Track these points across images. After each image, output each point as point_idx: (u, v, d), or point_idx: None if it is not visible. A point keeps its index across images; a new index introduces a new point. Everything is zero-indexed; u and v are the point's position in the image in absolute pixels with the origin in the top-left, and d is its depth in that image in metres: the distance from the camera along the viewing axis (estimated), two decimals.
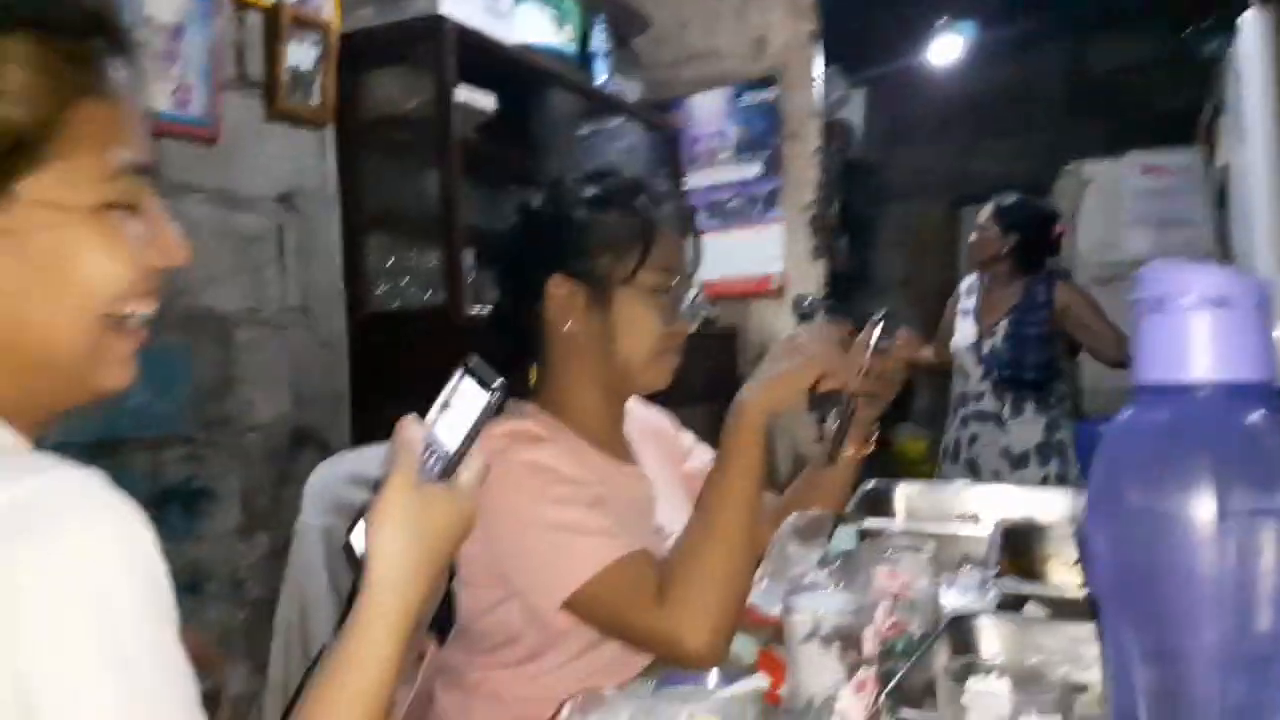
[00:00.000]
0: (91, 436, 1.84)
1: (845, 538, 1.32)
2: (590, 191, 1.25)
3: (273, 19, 2.28)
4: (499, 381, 0.72)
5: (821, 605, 0.83)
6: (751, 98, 3.47)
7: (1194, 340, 0.56)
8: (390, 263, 2.55)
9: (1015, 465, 3.00)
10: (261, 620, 2.02)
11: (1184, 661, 0.56)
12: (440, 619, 1.32)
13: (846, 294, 4.99)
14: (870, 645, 0.79)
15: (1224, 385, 0.55)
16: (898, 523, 1.46)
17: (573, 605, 1.06)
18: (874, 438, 1.32)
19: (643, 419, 1.44)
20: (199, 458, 2.04)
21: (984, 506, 1.53)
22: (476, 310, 2.34)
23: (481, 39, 2.52)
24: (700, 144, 3.55)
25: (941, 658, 0.84)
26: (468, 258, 2.37)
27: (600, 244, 1.21)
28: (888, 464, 4.49)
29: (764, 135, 3.45)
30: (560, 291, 1.21)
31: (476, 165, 2.58)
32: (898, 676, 0.82)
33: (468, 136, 2.52)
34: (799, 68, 3.41)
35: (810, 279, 3.42)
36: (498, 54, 2.61)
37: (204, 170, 2.12)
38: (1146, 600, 0.58)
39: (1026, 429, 3.01)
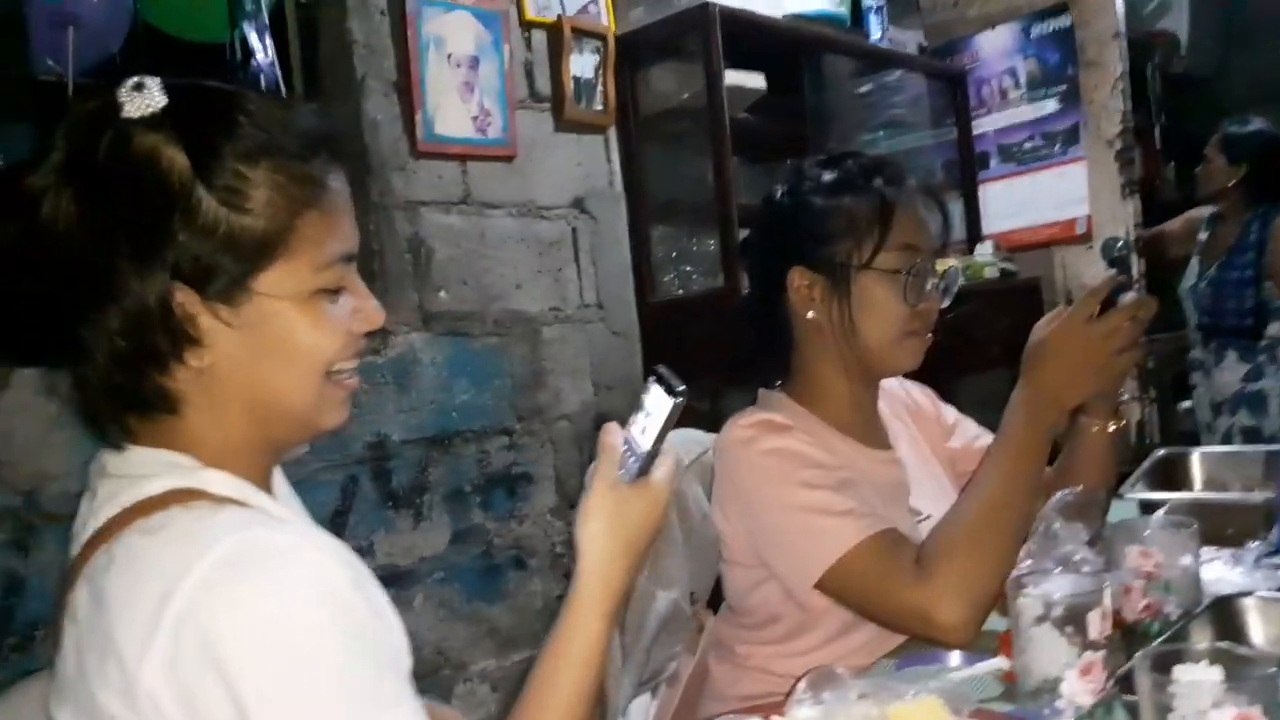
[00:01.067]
0: (429, 433, 2.14)
1: (1125, 511, 1.27)
2: (824, 177, 1.27)
3: (556, 34, 2.48)
4: (682, 388, 0.80)
5: (1053, 586, 0.83)
6: (1043, 28, 3.24)
7: None
8: (674, 252, 2.68)
9: (1214, 417, 2.70)
10: None
11: None
12: (712, 595, 1.42)
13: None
14: (1096, 629, 0.78)
15: None
16: (1182, 494, 1.36)
17: (825, 585, 1.11)
18: (1124, 410, 1.25)
19: (901, 398, 1.45)
20: (518, 446, 2.30)
21: None
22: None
23: (749, 19, 2.57)
24: (988, 85, 3.37)
25: (1191, 643, 0.81)
26: (743, 239, 2.45)
27: (835, 230, 1.23)
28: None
29: (1059, 67, 3.21)
30: (801, 282, 1.25)
31: (749, 145, 2.65)
32: (1130, 662, 0.80)
33: (738, 118, 2.58)
34: None
35: (1121, 219, 3.15)
36: (767, 31, 2.65)
37: (505, 186, 2.37)
38: None
39: (1226, 377, 2.76)
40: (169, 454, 0.74)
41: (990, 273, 3.05)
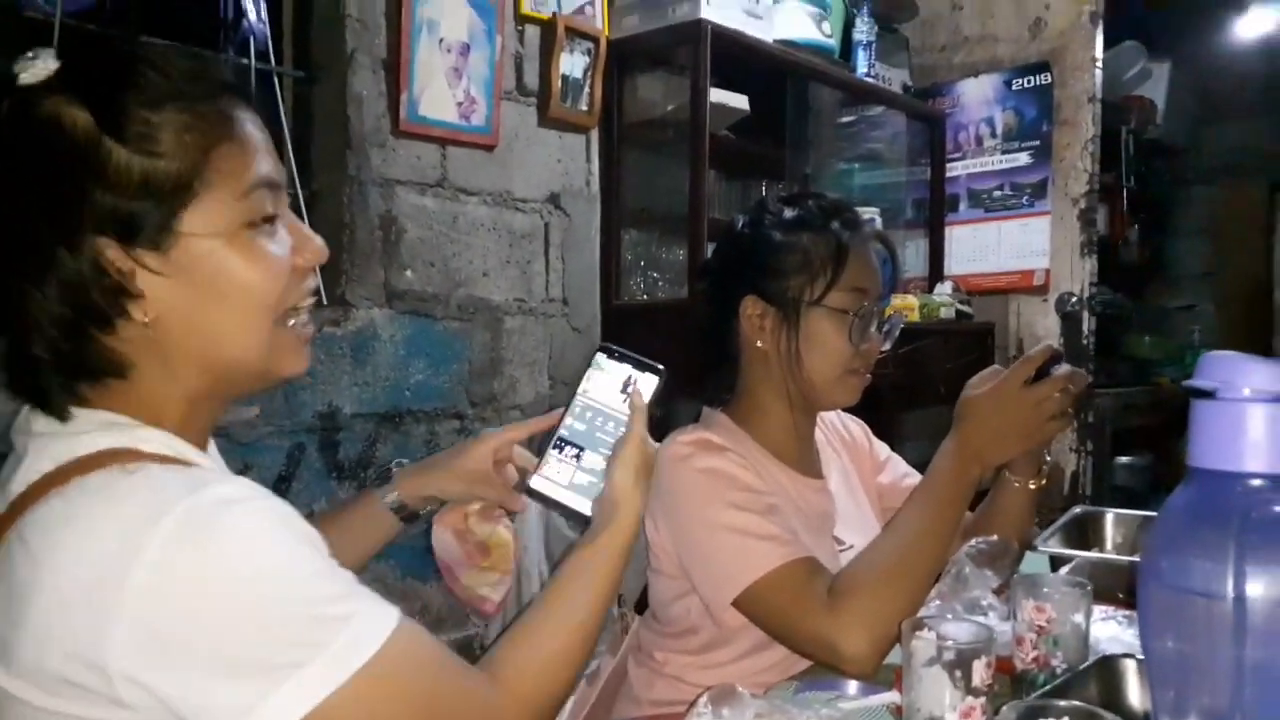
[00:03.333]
0: (381, 408, 2.16)
1: (1037, 563, 1.33)
2: (785, 214, 1.32)
3: (549, 31, 2.51)
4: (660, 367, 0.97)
5: (948, 630, 0.88)
6: (1023, 83, 3.33)
7: (1249, 433, 0.58)
8: (642, 258, 2.73)
9: None
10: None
11: None
12: (639, 601, 1.47)
13: (1138, 286, 4.62)
14: (980, 675, 0.83)
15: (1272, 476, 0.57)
16: (1094, 554, 1.43)
17: (741, 604, 1.16)
18: (1047, 468, 1.31)
19: (837, 429, 1.50)
20: (469, 431, 2.33)
21: None
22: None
23: (739, 40, 2.62)
24: (966, 131, 3.45)
25: (1076, 698, 0.86)
26: (702, 262, 2.51)
27: (790, 266, 1.29)
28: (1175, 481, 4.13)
29: (1035, 123, 3.30)
30: (753, 311, 1.30)
31: (727, 162, 2.70)
32: (1004, 709, 0.86)
33: (719, 135, 2.63)
34: (1078, 50, 3.23)
35: (1077, 275, 3.25)
36: (755, 53, 2.70)
37: (483, 174, 2.39)
38: (1179, 667, 0.61)
39: None
40: (104, 413, 0.74)
41: (946, 312, 3.12)
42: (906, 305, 2.94)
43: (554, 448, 0.97)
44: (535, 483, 0.96)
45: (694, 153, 2.49)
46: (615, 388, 0.97)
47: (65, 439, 0.72)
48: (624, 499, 0.92)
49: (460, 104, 2.33)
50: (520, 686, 0.80)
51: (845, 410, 1.50)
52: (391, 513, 1.11)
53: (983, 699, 0.83)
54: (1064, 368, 1.14)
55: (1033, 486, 1.31)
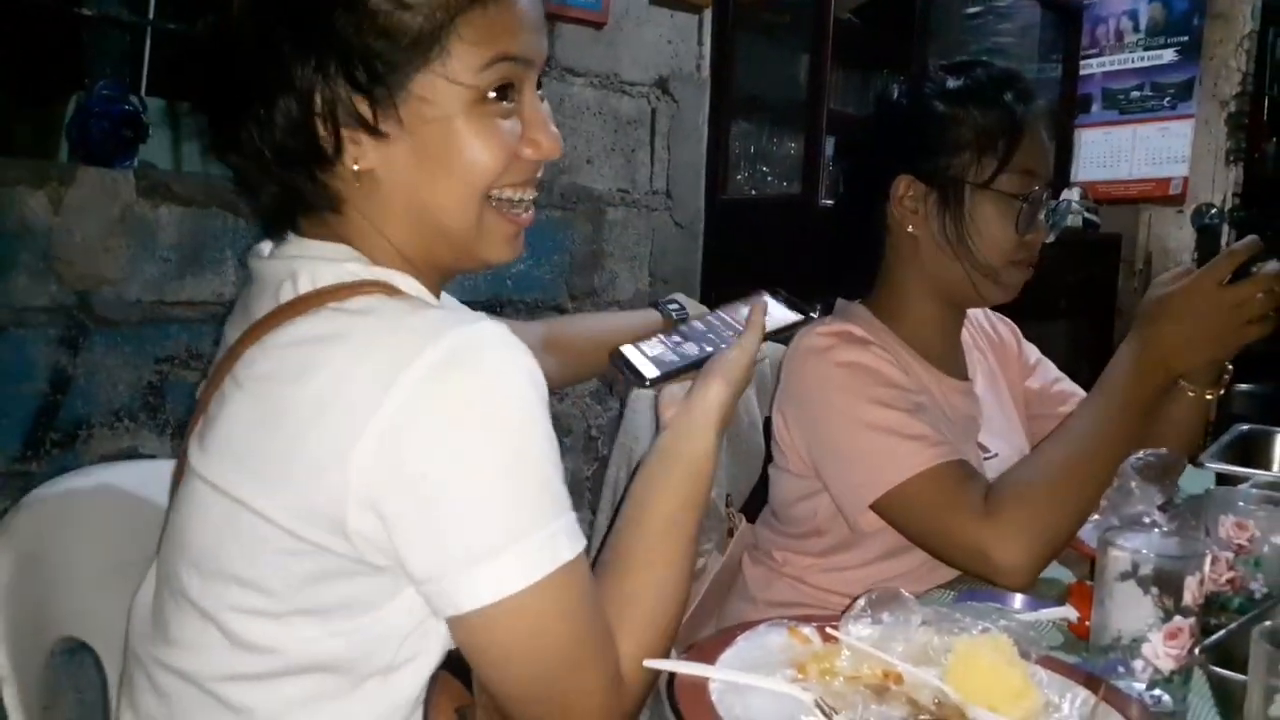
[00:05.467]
0: (482, 296, 2.10)
1: (1198, 480, 1.21)
2: (952, 84, 1.18)
3: None
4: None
5: (1144, 545, 0.78)
6: None
7: None
8: (752, 150, 2.59)
9: None
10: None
11: None
12: (753, 500, 1.39)
13: (1270, 206, 4.31)
14: (1192, 594, 0.74)
15: None
16: (1269, 472, 1.30)
17: (883, 507, 1.07)
18: (1228, 377, 1.18)
19: (985, 329, 1.38)
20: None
21: None
22: (828, 202, 2.34)
23: None
24: (1106, 25, 3.18)
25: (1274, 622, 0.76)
26: (829, 147, 2.36)
27: (957, 141, 1.15)
28: None
29: (1184, 16, 3.02)
30: (909, 191, 1.18)
31: (850, 49, 2.52)
32: (1220, 634, 0.76)
33: (842, 19, 2.46)
34: None
35: (1219, 187, 3.00)
36: None
37: (591, 54, 2.27)
38: None
39: None
40: (350, 249, 0.73)
41: (1073, 221, 2.93)
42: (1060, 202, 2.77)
43: (667, 334, 0.90)
44: (626, 349, 0.88)
45: (815, 37, 2.32)
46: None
47: (317, 263, 0.72)
48: (701, 425, 0.84)
49: None
50: (633, 666, 0.74)
51: (996, 310, 1.37)
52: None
53: (1193, 619, 0.74)
54: (1271, 264, 1.01)
55: (1209, 396, 1.18)
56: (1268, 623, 0.62)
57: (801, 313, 0.92)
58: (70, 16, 1.78)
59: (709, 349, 0.88)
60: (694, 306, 1.20)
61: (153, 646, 0.73)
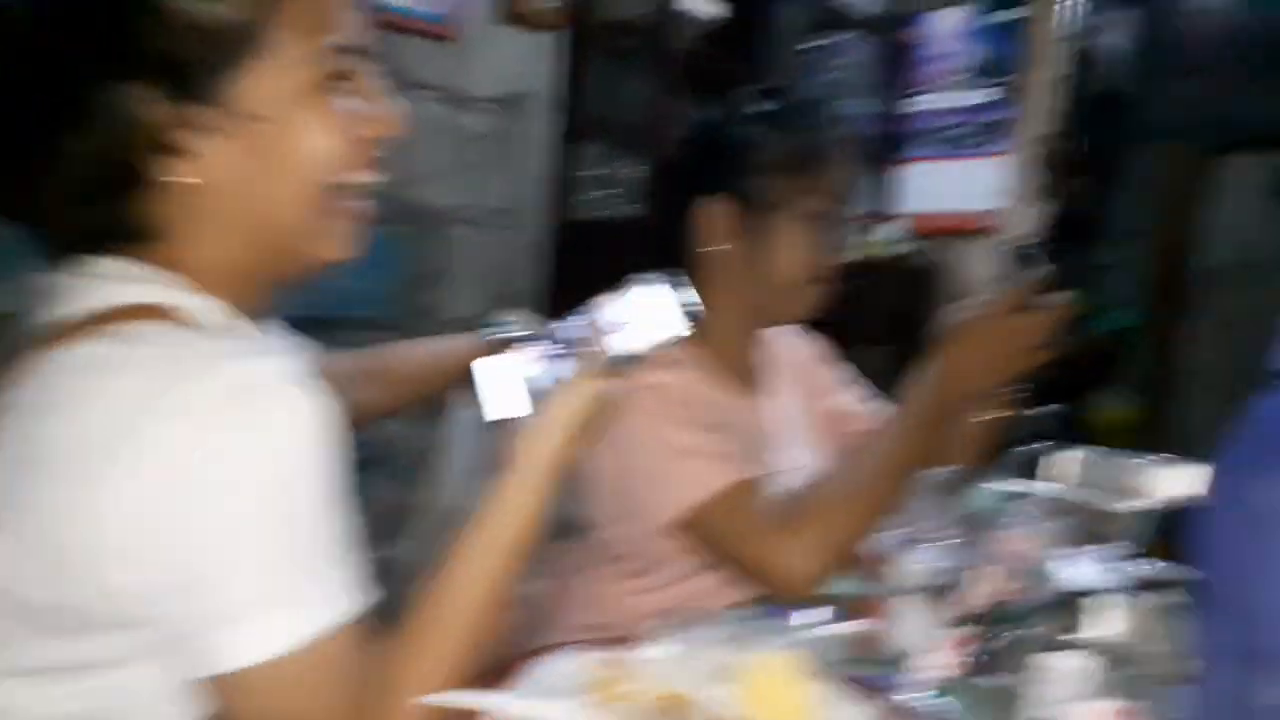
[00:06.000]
0: (308, 311, 2.04)
1: (985, 496, 1.30)
2: (762, 108, 1.24)
3: None
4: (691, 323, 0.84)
5: (926, 558, 0.84)
6: (996, 17, 3.25)
7: None
8: (598, 171, 2.62)
9: None
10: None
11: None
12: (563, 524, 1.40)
13: (1073, 240, 4.64)
14: (971, 606, 0.79)
15: None
16: (1051, 489, 1.40)
17: (682, 527, 1.10)
18: (1021, 399, 1.27)
19: (790, 348, 1.44)
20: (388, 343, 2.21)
21: (1163, 483, 1.43)
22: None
23: None
24: (933, 64, 3.37)
25: (1048, 631, 0.83)
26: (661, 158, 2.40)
27: (761, 163, 1.20)
28: (1085, 431, 4.22)
29: (1003, 60, 3.23)
30: (715, 211, 1.22)
31: (695, 76, 2.59)
32: (994, 641, 0.82)
33: (688, 47, 2.52)
34: None
35: (1030, 221, 3.22)
36: None
37: (438, 68, 2.25)
38: (1249, 596, 0.55)
39: None
40: (141, 268, 0.67)
41: (892, 250, 3.09)
42: (853, 243, 2.90)
43: (536, 339, 0.86)
44: (481, 366, 0.84)
45: (660, 63, 2.37)
46: (623, 314, 0.85)
47: (104, 283, 0.66)
48: (533, 454, 0.80)
49: None
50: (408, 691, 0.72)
51: (819, 329, 1.44)
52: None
53: (970, 629, 0.79)
54: (1053, 296, 1.09)
55: (996, 417, 1.27)
56: (1022, 631, 0.68)
57: (677, 326, 0.85)
58: None
59: (565, 375, 0.83)
60: (529, 323, 1.19)
61: None
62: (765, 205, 1.20)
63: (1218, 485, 0.57)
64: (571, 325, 0.87)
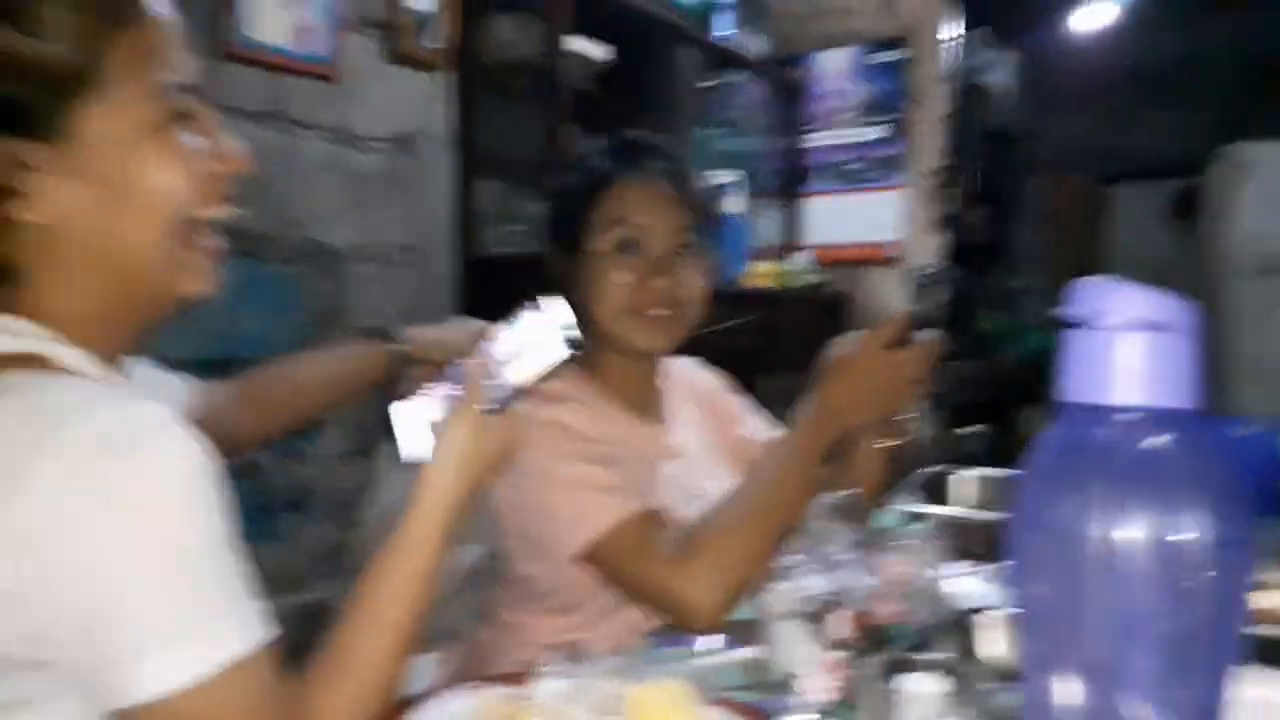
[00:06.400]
0: (206, 354, 1.97)
1: (884, 519, 1.31)
2: (576, 159, 1.28)
3: None
4: (579, 340, 0.85)
5: (804, 583, 0.84)
6: (879, 57, 3.37)
7: (1119, 363, 0.54)
8: (500, 208, 2.61)
9: None
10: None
11: (1094, 679, 0.55)
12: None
13: (977, 268, 4.81)
14: (841, 628, 0.79)
15: (1145, 410, 0.53)
16: (950, 510, 1.43)
17: (585, 560, 1.10)
18: (905, 428, 1.30)
19: (691, 380, 1.45)
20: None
21: None
22: None
23: None
24: (824, 103, 3.47)
25: (942, 651, 0.84)
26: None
27: (561, 212, 1.26)
28: (1013, 452, 4.32)
29: (890, 98, 3.34)
30: (554, 261, 1.26)
31: (588, 115, 2.61)
32: (871, 663, 0.82)
33: (581, 87, 2.54)
34: (931, 30, 3.29)
35: (929, 249, 3.32)
36: (615, 4, 2.61)
37: (323, 108, 2.22)
38: (1050, 615, 0.57)
39: None
40: (10, 319, 0.67)
41: (803, 280, 3.15)
42: (765, 273, 2.93)
43: (439, 381, 0.87)
44: (394, 407, 0.85)
45: (551, 100, 2.38)
46: (516, 342, 0.86)
47: None
48: (431, 469, 0.82)
49: (297, 30, 2.15)
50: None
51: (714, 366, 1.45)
52: (389, 357, 1.17)
53: (844, 653, 0.79)
54: (924, 334, 1.12)
55: (885, 444, 1.29)
56: (882, 656, 0.68)
57: (570, 346, 0.86)
58: None
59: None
60: (423, 333, 1.22)
61: None
62: (573, 250, 1.23)
63: (1020, 505, 0.59)
64: (469, 362, 0.87)
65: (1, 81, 0.64)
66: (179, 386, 1.03)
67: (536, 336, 0.86)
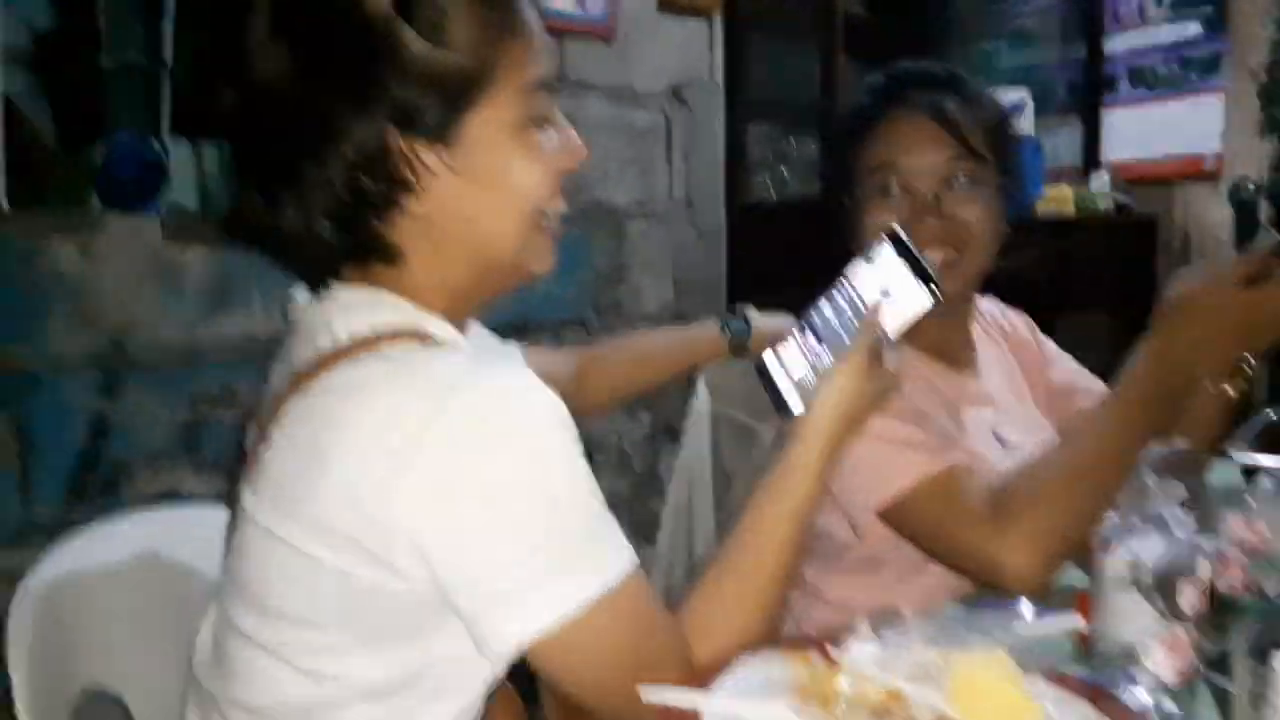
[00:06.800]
0: (506, 318, 2.12)
1: (1219, 475, 1.19)
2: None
3: None
4: (939, 286, 0.85)
5: (1142, 549, 0.77)
6: None
7: None
8: (770, 153, 2.59)
9: None
10: (643, 491, 2.25)
11: None
12: None
13: None
14: (1189, 601, 0.73)
15: None
16: None
17: (888, 518, 1.06)
18: (1251, 370, 1.15)
19: (998, 321, 1.37)
20: (594, 340, 2.27)
21: None
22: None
23: None
24: (1128, 2, 3.12)
25: None
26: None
27: (832, 160, 1.26)
28: None
29: None
30: (834, 211, 1.21)
31: (862, 43, 2.51)
32: (1226, 638, 0.75)
33: (852, 12, 2.44)
34: None
35: (1255, 160, 2.92)
36: None
37: (601, 68, 2.28)
38: None
39: None
40: (390, 295, 0.75)
41: (1104, 204, 2.88)
42: (1060, 197, 2.71)
43: (799, 329, 0.89)
44: (767, 357, 0.89)
45: (825, 32, 2.31)
46: (879, 285, 0.87)
47: (359, 311, 0.74)
48: (816, 426, 0.85)
49: None
50: (708, 642, 0.79)
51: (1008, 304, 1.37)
52: (729, 343, 1.23)
53: (1192, 627, 0.73)
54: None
55: (1231, 392, 1.15)
56: (1249, 632, 0.62)
57: (928, 288, 0.85)
58: (92, 67, 1.84)
59: (839, 352, 0.86)
60: (761, 320, 1.24)
61: (218, 682, 0.77)
62: (843, 194, 1.18)
63: None
64: (824, 310, 0.89)
65: (410, 87, 0.70)
66: (514, 352, 1.11)
67: (896, 281, 0.86)
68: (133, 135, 1.75)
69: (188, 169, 1.84)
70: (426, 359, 0.71)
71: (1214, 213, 2.98)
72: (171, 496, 1.66)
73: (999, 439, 1.22)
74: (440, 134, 0.72)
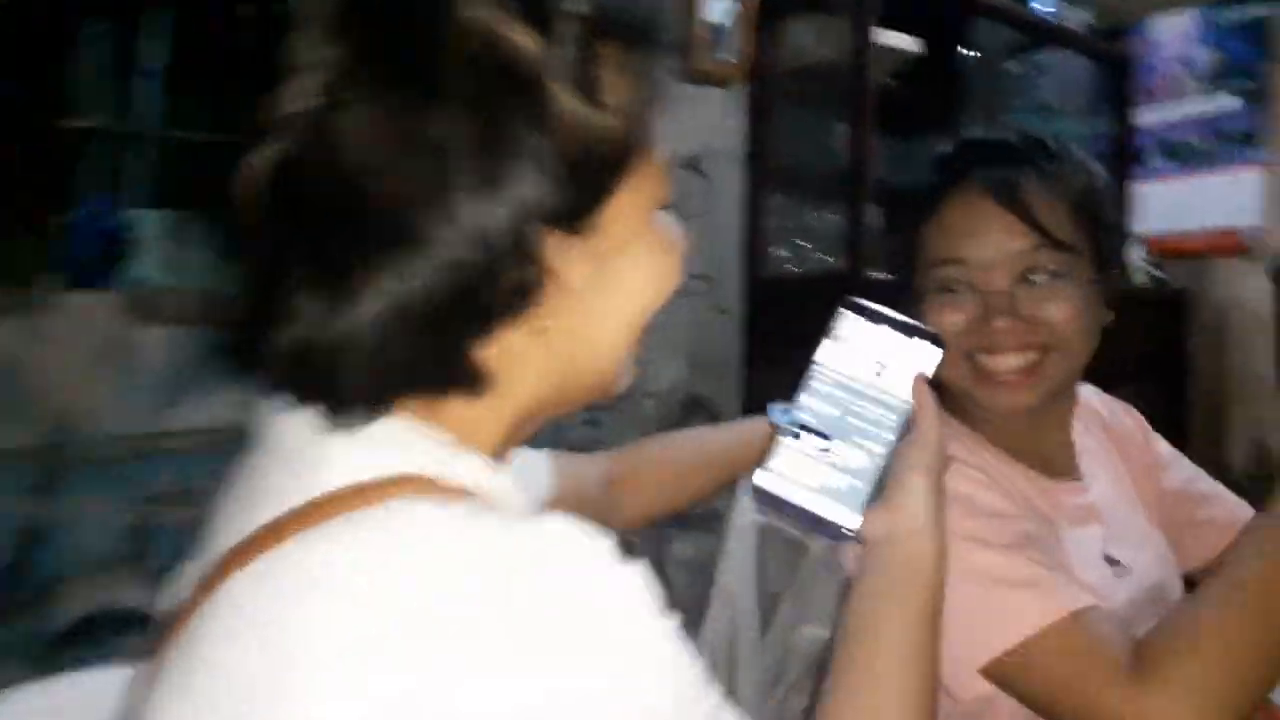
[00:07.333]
0: None
1: None
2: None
3: None
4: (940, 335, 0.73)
5: None
6: (1231, 15, 2.87)
7: None
8: (791, 224, 2.42)
9: None
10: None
11: None
12: None
13: None
14: None
15: None
16: None
17: (994, 673, 0.85)
18: None
19: (1100, 415, 1.17)
20: (597, 422, 2.08)
21: None
22: (878, 275, 2.13)
23: None
24: (1159, 74, 3.01)
25: None
26: (874, 217, 2.17)
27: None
28: None
29: (1246, 60, 2.84)
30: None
31: (891, 115, 2.36)
32: None
33: (884, 84, 2.30)
34: None
35: None
36: None
37: None
38: None
39: None
40: (416, 421, 0.54)
41: (1137, 278, 2.74)
42: None
43: (789, 435, 0.71)
44: (763, 480, 0.70)
45: (854, 103, 2.16)
46: (868, 358, 0.73)
47: (384, 452, 0.52)
48: (923, 523, 0.69)
49: None
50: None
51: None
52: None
53: None
54: None
55: None
56: None
57: (932, 340, 0.74)
58: (58, 132, 1.67)
59: (880, 451, 0.70)
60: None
61: None
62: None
63: None
64: (810, 406, 0.72)
65: (562, 162, 0.51)
66: (542, 465, 0.92)
67: (889, 348, 0.73)
68: (95, 206, 1.58)
69: (154, 240, 1.65)
70: (439, 524, 0.49)
71: (1253, 288, 2.83)
72: (109, 612, 1.44)
73: (1109, 560, 1.01)
74: (581, 221, 0.53)
